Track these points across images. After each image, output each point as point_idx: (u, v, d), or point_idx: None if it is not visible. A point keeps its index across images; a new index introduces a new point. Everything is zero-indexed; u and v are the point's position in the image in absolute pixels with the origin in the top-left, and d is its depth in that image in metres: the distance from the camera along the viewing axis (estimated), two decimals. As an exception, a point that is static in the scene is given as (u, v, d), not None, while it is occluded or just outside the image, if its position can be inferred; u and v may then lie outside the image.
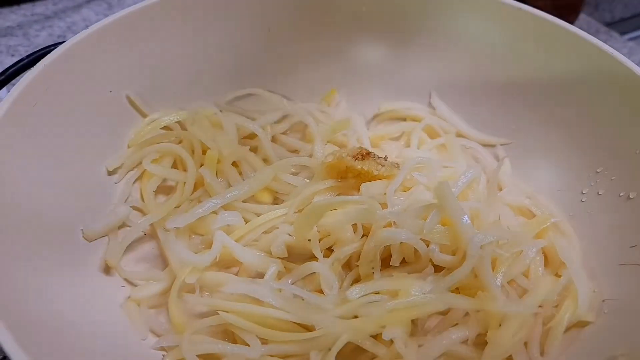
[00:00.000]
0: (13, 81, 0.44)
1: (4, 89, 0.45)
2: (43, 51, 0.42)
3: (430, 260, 0.37)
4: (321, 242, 0.38)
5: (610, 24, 0.78)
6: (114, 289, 0.38)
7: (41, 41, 0.69)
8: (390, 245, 0.37)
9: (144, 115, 0.46)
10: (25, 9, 0.73)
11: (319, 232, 0.38)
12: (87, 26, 0.70)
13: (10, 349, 0.25)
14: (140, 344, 0.35)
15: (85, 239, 0.39)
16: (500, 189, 0.44)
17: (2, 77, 0.41)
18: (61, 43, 0.40)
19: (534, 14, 0.43)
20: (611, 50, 0.40)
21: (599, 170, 0.40)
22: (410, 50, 0.50)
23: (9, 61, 0.65)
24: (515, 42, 0.45)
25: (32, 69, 0.37)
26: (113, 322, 0.35)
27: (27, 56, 0.42)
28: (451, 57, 0.48)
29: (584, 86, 0.42)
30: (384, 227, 0.37)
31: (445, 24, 0.47)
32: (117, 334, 0.35)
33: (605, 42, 0.41)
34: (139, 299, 0.37)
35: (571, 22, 0.44)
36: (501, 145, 0.47)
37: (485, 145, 0.48)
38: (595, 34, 0.65)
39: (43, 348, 0.27)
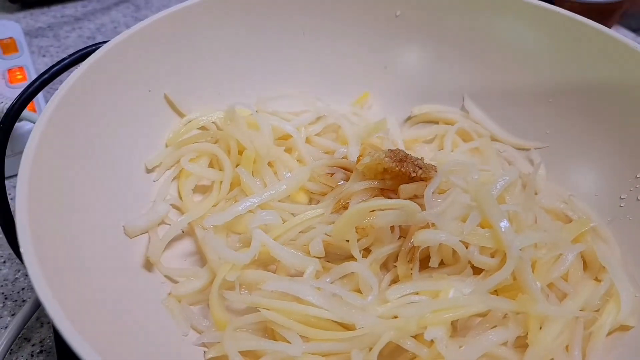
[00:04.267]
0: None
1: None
2: (84, 51, 0.42)
3: (469, 262, 0.37)
4: (359, 242, 0.38)
5: (636, 30, 0.78)
6: (155, 285, 0.38)
7: (71, 42, 0.70)
8: (429, 246, 0.37)
9: (181, 115, 0.46)
10: (55, 11, 0.75)
11: (357, 232, 0.38)
12: (115, 28, 0.73)
13: (70, 339, 0.25)
14: (181, 340, 0.36)
15: (127, 235, 0.39)
16: (536, 193, 0.44)
17: (46, 75, 0.42)
18: (104, 43, 0.41)
19: (571, 17, 0.44)
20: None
21: (638, 176, 0.40)
22: (443, 54, 0.50)
23: (40, 61, 0.66)
24: (550, 46, 0.45)
25: (77, 68, 0.38)
26: (155, 318, 0.36)
27: (69, 56, 0.43)
28: (484, 61, 0.49)
29: (621, 90, 0.42)
30: (422, 228, 0.37)
31: (478, 28, 0.48)
32: (158, 329, 0.35)
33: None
34: (180, 296, 0.38)
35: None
36: (535, 149, 0.47)
37: (519, 149, 0.48)
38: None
39: (96, 337, 0.27)
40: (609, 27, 0.60)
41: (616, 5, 0.58)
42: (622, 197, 0.41)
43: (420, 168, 0.40)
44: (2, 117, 0.42)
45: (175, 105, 0.46)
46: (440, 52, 0.50)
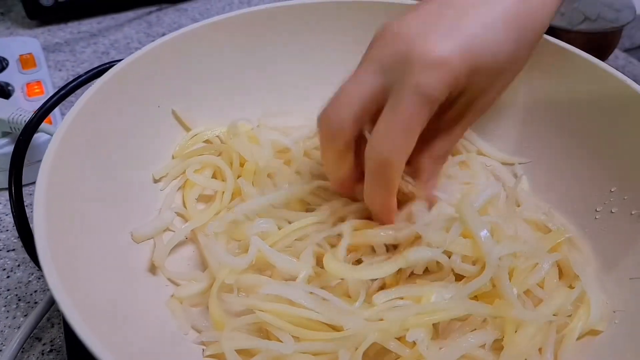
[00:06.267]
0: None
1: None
2: (99, 69, 0.45)
3: (452, 269, 0.39)
4: (350, 255, 0.41)
5: (629, 50, 0.80)
6: (159, 288, 0.41)
7: (86, 57, 0.73)
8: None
9: (187, 129, 0.49)
10: (71, 27, 0.78)
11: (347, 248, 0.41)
12: (128, 43, 0.76)
13: (84, 336, 0.28)
14: (182, 338, 0.38)
15: (134, 240, 0.42)
16: (519, 205, 0.46)
17: (63, 91, 0.45)
18: (117, 61, 0.44)
19: (551, 42, 0.46)
20: (622, 76, 0.43)
21: (612, 190, 0.43)
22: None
23: (57, 75, 0.69)
24: (534, 67, 0.48)
25: (93, 84, 0.41)
26: (158, 317, 0.39)
27: (85, 73, 0.46)
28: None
29: (598, 110, 0.45)
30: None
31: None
32: (161, 328, 0.38)
33: (623, 68, 0.44)
34: (181, 297, 0.40)
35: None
36: (520, 164, 0.50)
37: (504, 163, 0.50)
38: (614, 59, 0.67)
39: (107, 335, 0.30)
40: (609, 52, 0.62)
41: (615, 33, 0.60)
42: (597, 210, 0.43)
43: (411, 183, 0.42)
44: (22, 129, 0.45)
45: (182, 120, 0.49)
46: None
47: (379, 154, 0.35)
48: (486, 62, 0.35)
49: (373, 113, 0.36)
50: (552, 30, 0.49)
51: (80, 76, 0.46)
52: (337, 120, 0.36)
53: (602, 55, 0.46)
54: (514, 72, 0.39)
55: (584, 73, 0.45)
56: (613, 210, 0.42)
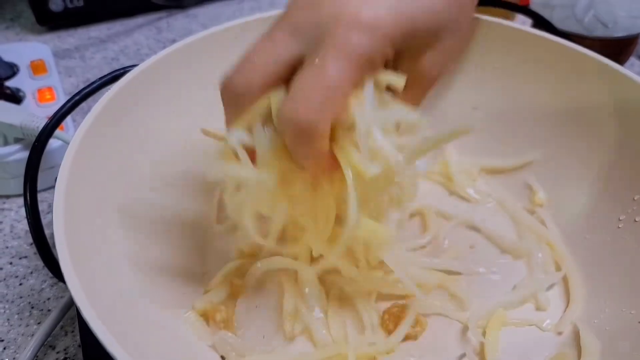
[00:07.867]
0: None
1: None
2: (113, 74, 0.45)
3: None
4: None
5: (642, 57, 0.80)
6: (177, 292, 0.40)
7: (96, 63, 0.73)
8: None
9: (220, 139, 0.49)
10: (81, 33, 0.78)
11: None
12: (138, 49, 0.76)
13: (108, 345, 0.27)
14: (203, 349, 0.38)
15: None
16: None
17: (78, 97, 0.44)
18: (131, 67, 0.44)
19: (570, 47, 0.46)
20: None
21: (635, 198, 0.42)
22: (453, 80, 0.52)
23: (67, 81, 0.69)
24: (548, 72, 0.47)
25: (109, 90, 0.41)
26: (181, 326, 0.38)
27: (99, 79, 0.45)
28: (486, 87, 0.50)
29: (619, 116, 0.44)
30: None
31: (476, 55, 0.50)
32: (184, 336, 0.38)
33: (639, 75, 0.43)
34: (199, 309, 0.39)
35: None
36: (534, 172, 0.49)
37: (520, 168, 0.50)
38: (630, 67, 0.66)
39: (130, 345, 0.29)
40: (625, 59, 0.62)
41: (631, 40, 0.60)
42: (620, 219, 0.42)
43: None
44: (35, 135, 0.45)
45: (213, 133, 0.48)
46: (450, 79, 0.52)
47: (295, 120, 0.29)
48: (422, 22, 0.32)
49: (285, 81, 0.31)
50: (568, 37, 0.49)
51: (94, 82, 0.46)
52: (244, 85, 0.32)
53: (618, 62, 0.45)
54: (456, 33, 0.35)
55: (604, 78, 0.44)
56: (637, 219, 0.41)
